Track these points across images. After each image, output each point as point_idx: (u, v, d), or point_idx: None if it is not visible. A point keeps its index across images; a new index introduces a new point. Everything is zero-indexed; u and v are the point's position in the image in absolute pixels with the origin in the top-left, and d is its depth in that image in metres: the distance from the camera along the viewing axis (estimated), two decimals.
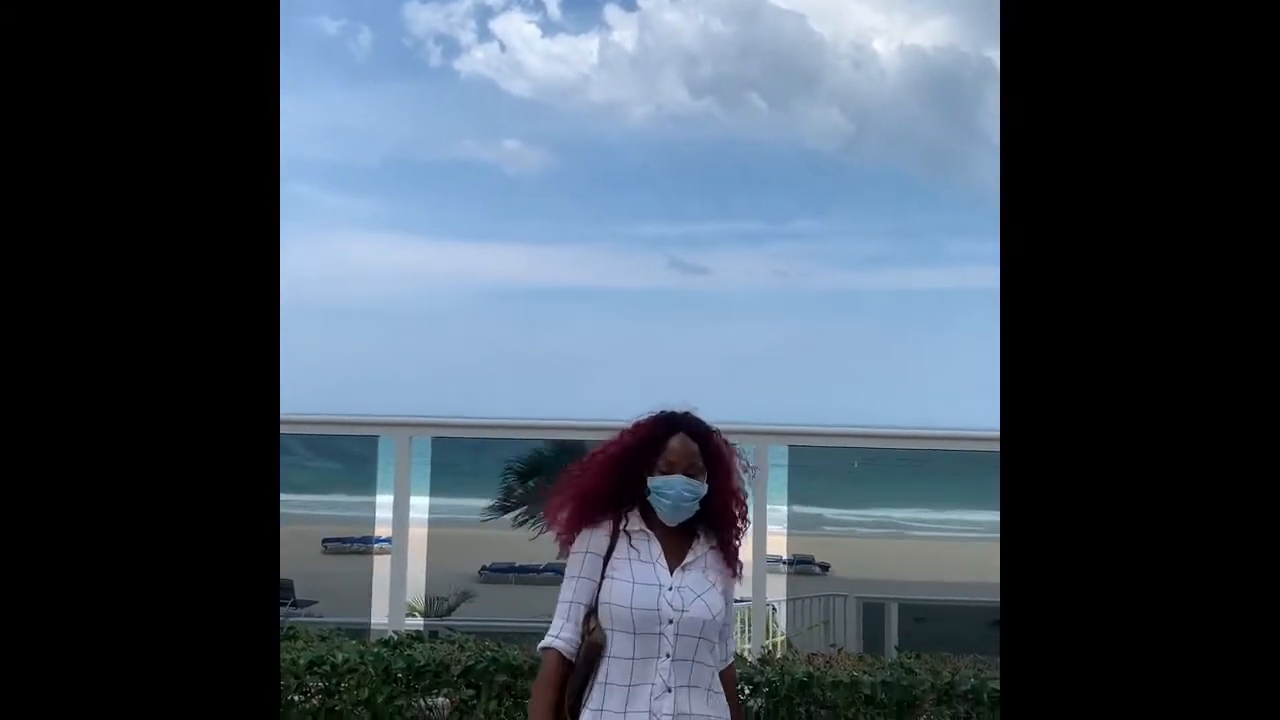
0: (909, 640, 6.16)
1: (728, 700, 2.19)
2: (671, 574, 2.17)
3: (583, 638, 2.14)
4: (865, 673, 3.30)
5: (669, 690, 2.08)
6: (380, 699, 3.14)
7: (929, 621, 7.22)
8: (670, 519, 2.20)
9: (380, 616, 4.54)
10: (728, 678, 2.24)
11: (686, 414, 2.29)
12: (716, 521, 2.24)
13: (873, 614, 8.62)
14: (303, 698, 3.21)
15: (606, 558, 2.18)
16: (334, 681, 3.21)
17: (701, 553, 2.21)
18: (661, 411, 2.28)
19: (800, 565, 16.76)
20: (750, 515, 2.32)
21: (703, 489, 2.19)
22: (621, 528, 2.20)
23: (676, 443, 2.21)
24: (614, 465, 2.24)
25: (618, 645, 2.11)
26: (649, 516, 2.21)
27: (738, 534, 2.26)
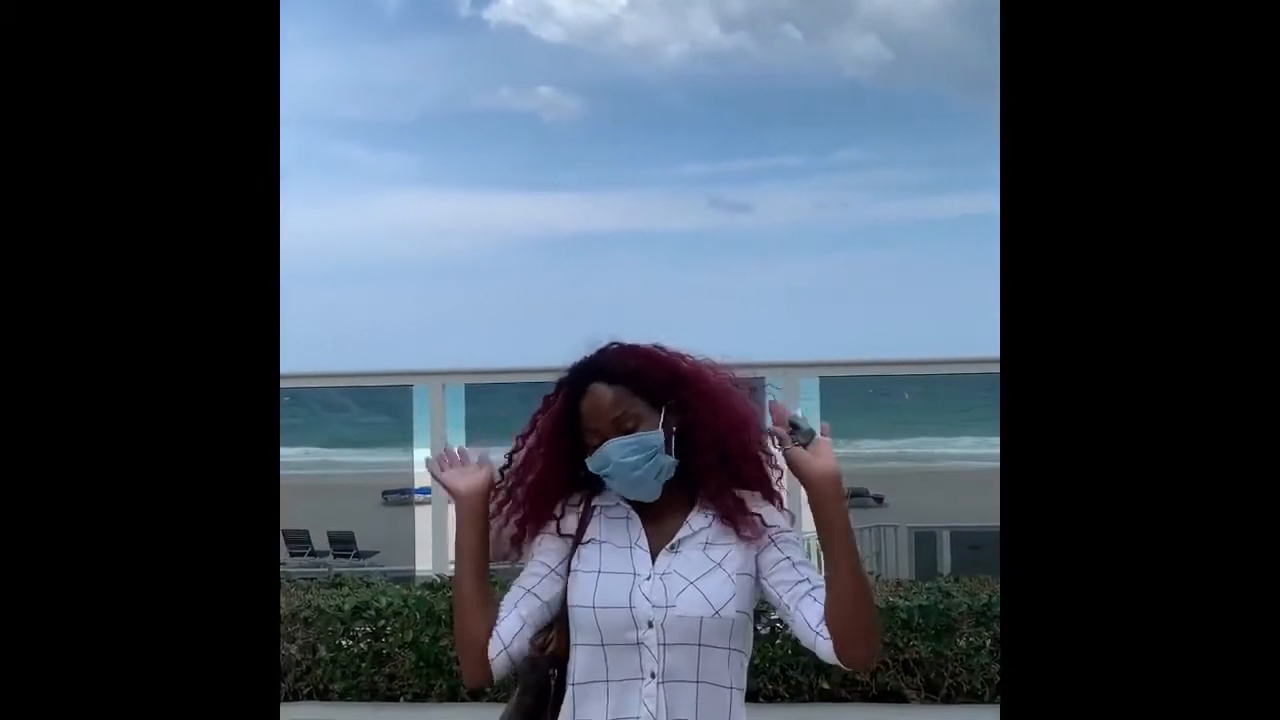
0: (964, 568, 6.12)
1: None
2: (655, 560, 1.52)
3: (530, 644, 1.52)
4: (903, 598, 3.31)
5: None
6: (425, 640, 3.21)
7: (984, 549, 7.21)
8: (635, 493, 1.54)
9: (425, 564, 4.65)
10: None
11: (600, 353, 1.57)
12: (715, 475, 1.51)
13: (925, 543, 8.60)
14: (350, 642, 3.30)
15: (577, 541, 1.55)
16: (380, 625, 3.29)
17: (702, 525, 1.52)
18: (569, 369, 1.57)
19: (854, 498, 16.76)
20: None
21: (652, 438, 1.51)
22: (594, 503, 1.57)
23: (588, 404, 1.54)
24: (547, 450, 1.56)
25: (584, 664, 1.49)
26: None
27: (757, 482, 1.53)
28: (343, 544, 12.62)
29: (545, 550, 1.54)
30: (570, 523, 1.55)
